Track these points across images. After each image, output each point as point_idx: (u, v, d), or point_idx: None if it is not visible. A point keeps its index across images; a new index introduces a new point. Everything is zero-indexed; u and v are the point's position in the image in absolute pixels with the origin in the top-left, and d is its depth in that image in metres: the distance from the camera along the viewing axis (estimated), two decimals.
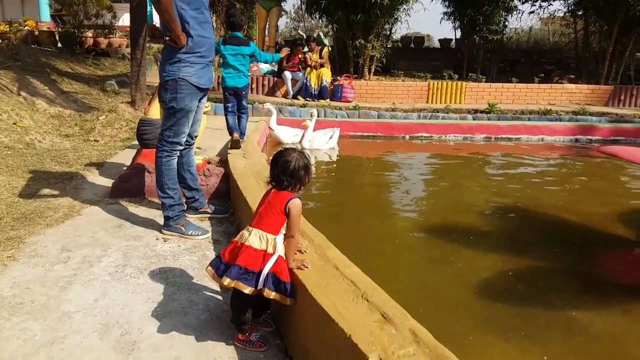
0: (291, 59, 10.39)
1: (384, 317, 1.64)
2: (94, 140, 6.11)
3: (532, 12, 14.13)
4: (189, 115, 3.14)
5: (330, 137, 7.19)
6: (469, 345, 2.40)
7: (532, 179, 5.98)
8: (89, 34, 12.31)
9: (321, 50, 10.28)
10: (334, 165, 6.41)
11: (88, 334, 2.09)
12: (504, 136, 8.76)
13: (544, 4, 13.59)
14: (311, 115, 7.32)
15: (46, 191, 3.92)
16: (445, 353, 1.45)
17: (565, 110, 10.20)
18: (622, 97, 11.36)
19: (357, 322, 1.60)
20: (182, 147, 3.23)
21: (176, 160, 3.24)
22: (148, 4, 7.52)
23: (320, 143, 7.14)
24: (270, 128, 7.14)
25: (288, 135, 7.22)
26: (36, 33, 11.85)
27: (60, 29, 11.79)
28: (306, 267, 2.00)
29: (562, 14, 13.86)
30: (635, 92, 11.38)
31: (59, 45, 11.65)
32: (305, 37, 13.48)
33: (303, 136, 7.07)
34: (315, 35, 13.07)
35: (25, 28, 12.01)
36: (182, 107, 3.05)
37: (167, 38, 2.95)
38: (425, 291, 3.02)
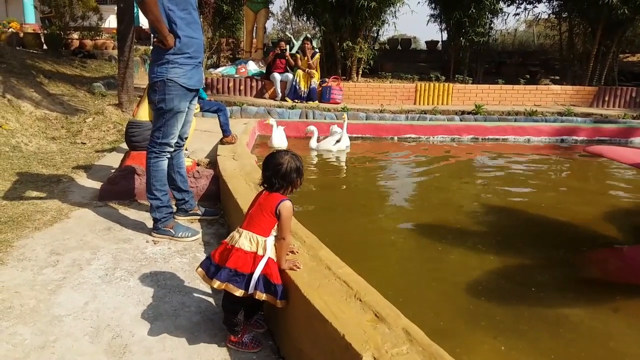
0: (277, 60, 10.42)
1: (377, 316, 1.65)
2: (81, 142, 6.05)
3: (517, 14, 14.40)
4: (178, 117, 3.12)
5: (338, 141, 7.22)
6: (459, 343, 2.42)
7: (519, 179, 6.04)
8: (75, 35, 12.24)
9: (313, 56, 10.30)
10: (323, 167, 6.42)
11: (79, 337, 2.08)
12: (490, 137, 8.84)
13: (529, 6, 13.77)
14: (343, 120, 7.49)
15: (34, 194, 3.88)
16: (438, 351, 1.46)
17: (551, 111, 10.33)
18: (607, 98, 11.53)
19: (351, 321, 1.61)
20: (171, 149, 3.22)
21: (166, 162, 3.22)
22: (134, 5, 7.48)
23: (328, 145, 7.20)
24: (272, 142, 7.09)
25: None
26: (21, 35, 11.73)
27: (45, 31, 11.68)
28: (298, 268, 2.00)
29: (546, 16, 14.06)
30: (619, 92, 11.56)
31: (45, 47, 11.54)
32: (290, 38, 13.52)
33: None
34: (302, 38, 13.10)
35: (10, 30, 11.89)
36: (171, 108, 3.04)
37: (155, 39, 2.95)
38: (415, 290, 3.04)
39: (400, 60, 15.13)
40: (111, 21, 16.26)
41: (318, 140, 7.21)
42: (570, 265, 3.50)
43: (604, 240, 4.04)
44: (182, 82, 3.02)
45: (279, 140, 7.02)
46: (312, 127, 7.29)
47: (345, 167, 6.54)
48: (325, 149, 7.13)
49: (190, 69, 3.04)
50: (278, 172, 2.03)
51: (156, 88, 3.02)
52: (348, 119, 7.61)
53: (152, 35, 3.03)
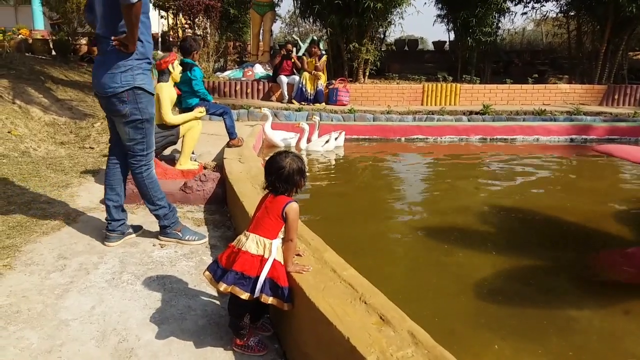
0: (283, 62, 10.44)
1: (382, 319, 1.64)
2: (90, 147, 6.09)
3: (525, 13, 14.24)
4: (153, 122, 3.07)
5: (327, 142, 7.31)
6: (466, 346, 2.40)
7: (527, 179, 6.00)
8: (83, 41, 12.29)
9: (319, 58, 10.29)
10: (331, 169, 6.41)
11: (85, 341, 2.08)
12: (499, 137, 8.80)
13: (537, 5, 13.66)
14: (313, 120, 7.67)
15: (42, 199, 3.90)
16: (443, 354, 1.45)
17: (560, 110, 10.25)
18: (616, 96, 11.42)
19: (356, 324, 1.60)
20: (154, 154, 3.19)
21: (154, 169, 3.19)
22: None
23: (316, 146, 7.30)
24: (264, 133, 7.27)
25: (283, 139, 7.37)
26: (30, 41, 11.83)
27: (54, 37, 11.78)
28: (306, 271, 1.99)
29: (554, 15, 13.95)
30: (629, 91, 11.44)
31: (53, 53, 11.63)
32: (297, 40, 13.56)
33: (300, 139, 7.34)
34: (309, 40, 13.12)
35: (19, 36, 11.99)
36: (147, 116, 2.96)
37: (115, 43, 2.72)
38: (422, 292, 3.02)
39: (407, 61, 15.08)
40: None
41: (308, 141, 7.37)
42: (579, 267, 3.47)
43: (615, 241, 4.00)
44: (148, 88, 2.92)
45: (275, 133, 7.26)
46: (304, 125, 7.37)
47: (352, 169, 6.53)
48: (314, 149, 7.27)
49: (150, 74, 2.97)
50: (281, 176, 2.02)
51: (124, 98, 2.84)
52: (355, 121, 7.64)
53: (105, 39, 2.77)
